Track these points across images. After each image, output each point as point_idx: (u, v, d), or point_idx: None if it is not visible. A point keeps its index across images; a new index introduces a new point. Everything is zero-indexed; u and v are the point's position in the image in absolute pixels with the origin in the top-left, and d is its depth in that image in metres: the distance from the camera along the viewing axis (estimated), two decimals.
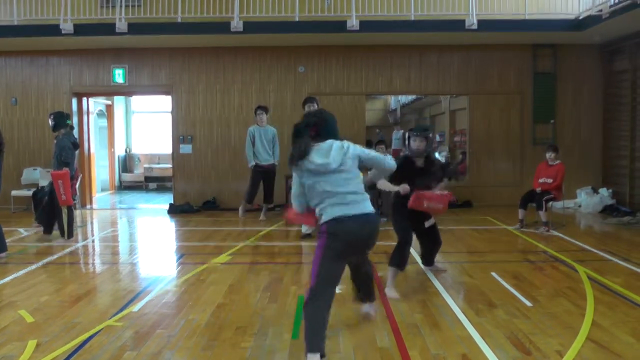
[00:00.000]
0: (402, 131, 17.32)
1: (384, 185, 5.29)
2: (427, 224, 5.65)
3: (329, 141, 3.82)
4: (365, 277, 4.41)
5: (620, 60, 10.94)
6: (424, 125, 5.65)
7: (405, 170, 5.34)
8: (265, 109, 9.91)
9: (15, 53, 11.56)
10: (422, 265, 6.21)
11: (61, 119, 8.00)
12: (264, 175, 9.80)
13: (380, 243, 7.76)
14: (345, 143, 3.85)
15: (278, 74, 11.52)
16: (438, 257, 6.15)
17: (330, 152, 3.75)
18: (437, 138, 18.97)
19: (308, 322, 3.60)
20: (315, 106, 7.93)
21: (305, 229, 8.10)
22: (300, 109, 8.23)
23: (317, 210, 3.82)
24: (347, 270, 3.98)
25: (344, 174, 3.75)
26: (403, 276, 5.91)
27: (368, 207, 3.81)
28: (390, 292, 5.23)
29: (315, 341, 3.52)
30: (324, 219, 3.75)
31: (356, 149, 3.86)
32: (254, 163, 9.72)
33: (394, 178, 5.31)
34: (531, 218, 9.01)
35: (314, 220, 3.94)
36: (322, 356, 3.51)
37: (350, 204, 3.73)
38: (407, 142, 5.52)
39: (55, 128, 8.00)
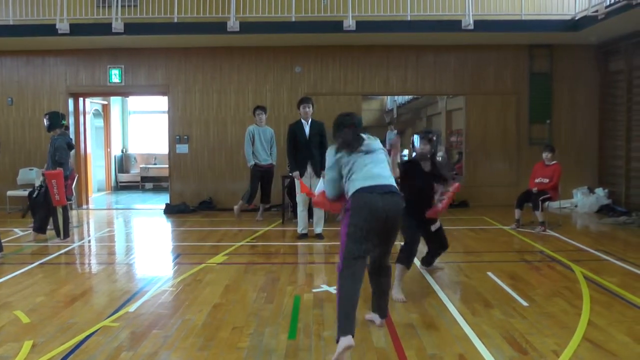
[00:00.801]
0: (395, 131, 17.32)
1: None
2: (433, 228, 5.71)
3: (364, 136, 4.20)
4: (382, 286, 4.31)
5: (616, 60, 10.97)
6: (427, 128, 5.79)
7: (410, 173, 5.48)
8: (264, 109, 9.90)
9: (11, 53, 11.52)
10: (419, 265, 6.21)
11: (56, 119, 7.99)
12: (262, 175, 9.78)
13: None
14: (371, 136, 4.25)
15: (274, 74, 11.51)
16: (443, 258, 6.17)
17: (370, 138, 4.17)
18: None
19: (339, 305, 3.73)
20: (311, 107, 7.98)
21: (301, 228, 8.10)
22: (297, 109, 8.25)
23: (346, 186, 4.05)
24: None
25: (375, 156, 4.09)
26: None
27: (394, 188, 4.03)
28: (397, 294, 5.17)
29: (346, 325, 3.62)
30: (350, 192, 3.97)
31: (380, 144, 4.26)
32: (253, 163, 9.70)
33: (401, 181, 5.42)
34: (527, 218, 9.03)
35: (339, 207, 4.18)
36: (352, 336, 3.62)
37: (378, 178, 3.98)
38: (412, 145, 5.63)
39: (50, 128, 7.98)
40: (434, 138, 5.55)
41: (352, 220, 3.88)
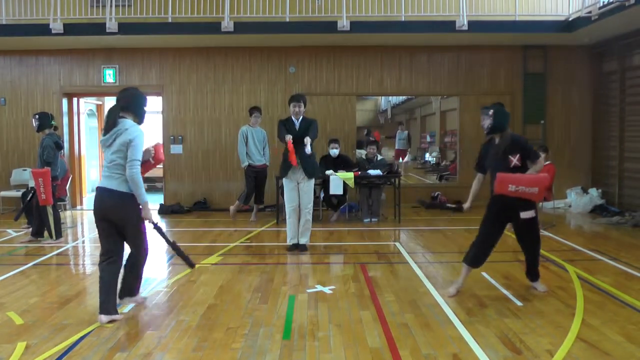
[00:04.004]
0: (406, 132, 17.29)
1: None
2: (522, 215, 5.03)
3: (123, 121, 4.41)
4: (129, 270, 4.76)
5: (609, 61, 11.02)
6: (488, 105, 5.21)
7: (484, 153, 5.35)
8: (260, 111, 9.92)
9: (4, 52, 11.46)
10: (414, 265, 6.21)
11: (46, 120, 7.98)
12: (256, 176, 9.77)
13: (369, 243, 7.81)
14: (127, 126, 4.36)
15: (269, 75, 11.50)
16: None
17: (112, 130, 4.38)
18: (428, 139, 19.05)
19: (101, 282, 4.48)
20: (302, 106, 7.26)
21: (290, 238, 7.35)
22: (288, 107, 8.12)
23: None
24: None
25: (111, 151, 4.39)
26: (394, 275, 5.94)
27: (113, 184, 4.38)
28: (450, 288, 5.23)
29: (106, 303, 4.46)
30: None
31: (127, 138, 4.33)
32: (247, 163, 9.68)
33: (479, 164, 5.40)
34: None
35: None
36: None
37: (105, 178, 4.45)
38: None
39: (39, 128, 7.96)
40: (490, 113, 5.04)
41: None
